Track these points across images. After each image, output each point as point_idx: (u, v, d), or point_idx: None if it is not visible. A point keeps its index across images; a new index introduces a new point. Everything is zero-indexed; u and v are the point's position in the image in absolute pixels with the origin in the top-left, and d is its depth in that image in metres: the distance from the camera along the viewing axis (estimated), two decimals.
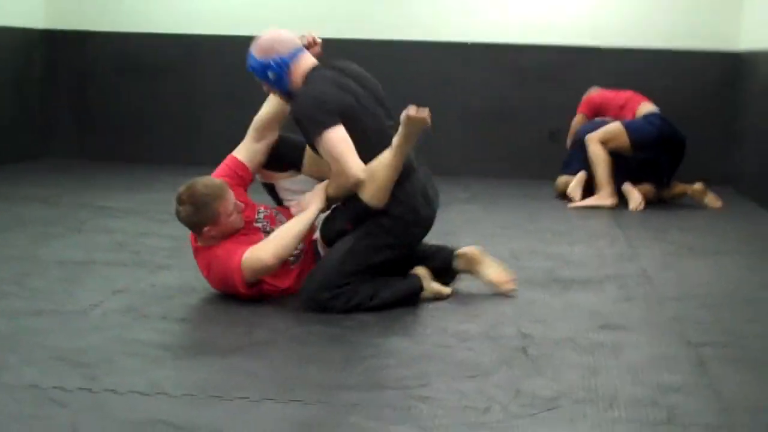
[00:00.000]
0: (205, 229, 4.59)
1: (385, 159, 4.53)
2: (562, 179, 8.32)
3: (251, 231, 4.74)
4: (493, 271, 4.86)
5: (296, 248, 4.61)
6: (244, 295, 4.56)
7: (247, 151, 4.97)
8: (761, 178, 8.07)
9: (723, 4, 9.26)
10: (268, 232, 4.72)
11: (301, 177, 4.93)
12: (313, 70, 4.68)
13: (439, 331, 4.25)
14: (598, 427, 3.20)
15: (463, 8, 9.48)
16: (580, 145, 8.19)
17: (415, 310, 4.57)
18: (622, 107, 8.39)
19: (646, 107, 8.28)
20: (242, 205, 4.71)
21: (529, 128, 9.34)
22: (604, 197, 7.85)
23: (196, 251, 4.72)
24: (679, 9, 9.31)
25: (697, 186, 8.08)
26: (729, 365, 3.90)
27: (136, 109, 9.89)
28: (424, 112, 4.47)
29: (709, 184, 8.39)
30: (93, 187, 8.17)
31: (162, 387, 3.46)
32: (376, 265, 4.60)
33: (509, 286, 4.85)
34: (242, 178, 4.91)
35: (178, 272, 5.15)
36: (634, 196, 7.91)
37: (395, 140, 4.53)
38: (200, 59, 9.78)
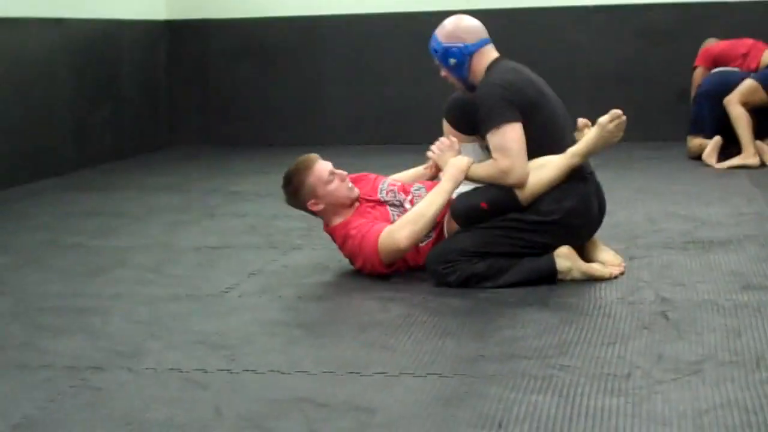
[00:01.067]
0: (309, 203, 4.68)
1: (556, 161, 4.41)
2: (695, 142, 8.12)
3: (375, 204, 4.74)
4: (607, 254, 4.64)
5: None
6: (383, 272, 4.55)
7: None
8: None
9: None
10: (397, 205, 4.71)
11: (471, 146, 4.77)
12: (496, 61, 4.62)
13: (576, 300, 4.19)
14: (746, 389, 3.12)
15: None
16: (705, 100, 8.01)
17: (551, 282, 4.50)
18: (744, 55, 8.17)
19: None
20: (344, 173, 4.73)
21: (658, 89, 9.16)
22: (748, 157, 7.65)
23: (330, 233, 4.76)
24: None
25: None
26: None
27: (260, 94, 9.98)
28: (623, 120, 4.39)
29: None
30: (222, 172, 8.28)
31: (301, 365, 3.49)
32: (502, 255, 4.45)
33: (616, 271, 4.53)
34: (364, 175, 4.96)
35: (310, 252, 5.18)
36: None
37: (579, 145, 4.44)
38: (320, 40, 9.82)
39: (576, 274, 4.44)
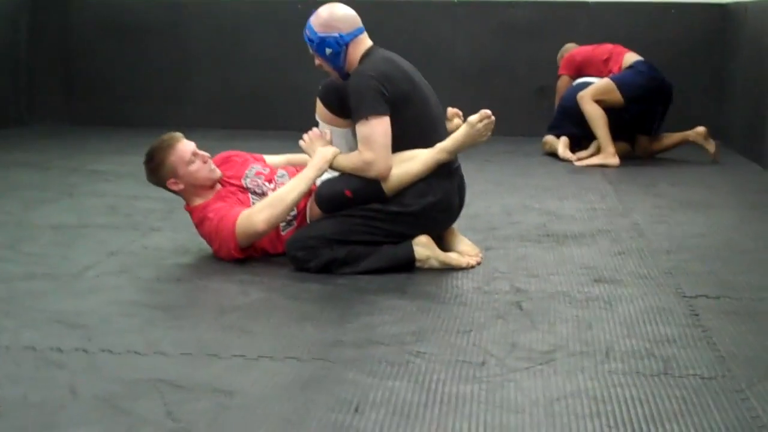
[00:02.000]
0: (169, 182, 4.68)
1: (423, 155, 4.47)
2: (548, 138, 8.31)
3: (237, 190, 4.74)
4: (464, 245, 4.72)
5: (289, 214, 4.60)
6: (238, 257, 4.56)
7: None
8: (749, 131, 8.08)
9: None
10: (259, 193, 4.71)
11: (342, 132, 4.76)
12: (370, 50, 4.63)
13: (433, 288, 4.26)
14: (595, 379, 3.22)
15: None
16: (566, 115, 8.16)
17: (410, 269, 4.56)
18: (606, 61, 8.31)
19: (632, 57, 8.23)
20: (207, 155, 4.73)
21: (518, 84, 9.34)
22: (608, 156, 7.81)
23: (189, 213, 4.75)
24: None
25: (700, 129, 8.04)
26: (723, 316, 3.92)
27: (123, 73, 9.86)
28: (492, 120, 4.46)
29: None
30: (82, 151, 8.16)
31: (159, 346, 3.48)
32: (361, 243, 4.50)
33: (472, 261, 4.61)
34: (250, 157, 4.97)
35: (170, 234, 5.16)
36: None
37: (446, 141, 4.50)
38: (186, 21, 9.76)
39: (434, 263, 4.52)
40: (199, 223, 4.66)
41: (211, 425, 2.84)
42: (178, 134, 4.77)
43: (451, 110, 4.92)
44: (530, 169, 7.62)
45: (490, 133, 4.57)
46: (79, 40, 9.89)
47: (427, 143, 4.52)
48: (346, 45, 4.60)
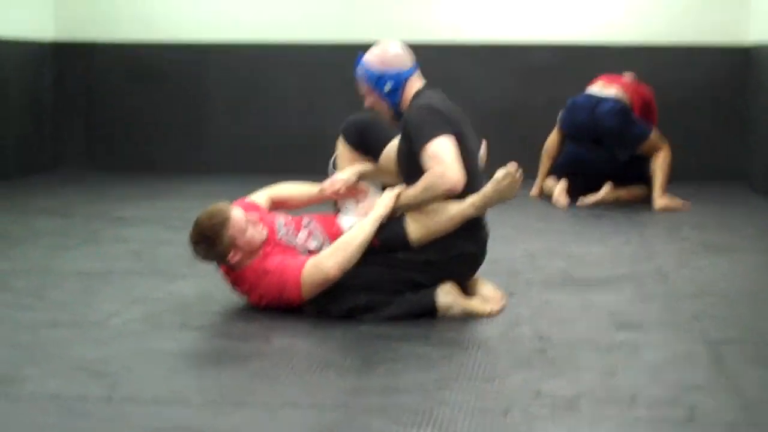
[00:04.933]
0: (230, 256, 4.49)
1: (453, 209, 4.45)
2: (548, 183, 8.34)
3: (279, 246, 4.61)
4: (487, 289, 4.69)
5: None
6: (297, 305, 4.47)
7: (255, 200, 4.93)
8: None
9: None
10: (293, 247, 4.64)
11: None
12: (424, 88, 4.66)
13: (457, 335, 4.25)
14: (620, 427, 3.20)
15: (467, 9, 9.51)
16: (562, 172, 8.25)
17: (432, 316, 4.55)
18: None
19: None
20: (256, 214, 4.64)
21: (539, 127, 9.32)
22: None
23: (234, 279, 4.59)
24: (686, 4, 9.31)
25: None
26: (748, 363, 3.90)
27: (145, 119, 9.92)
28: (519, 176, 4.46)
29: (721, 179, 8.42)
30: (106, 197, 8.20)
31: (182, 395, 3.48)
32: (384, 291, 4.48)
33: (495, 308, 4.57)
34: (254, 207, 4.84)
35: (194, 281, 5.16)
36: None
37: (474, 197, 4.47)
38: (207, 67, 9.82)
39: (456, 310, 4.50)
40: (257, 281, 4.50)
41: None
42: (224, 204, 4.58)
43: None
44: (553, 212, 7.62)
45: (516, 190, 4.51)
46: (102, 86, 9.96)
47: (466, 190, 4.47)
48: (406, 81, 4.62)
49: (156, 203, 7.77)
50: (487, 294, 4.65)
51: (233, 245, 4.46)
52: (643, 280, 5.27)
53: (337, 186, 4.82)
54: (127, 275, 5.34)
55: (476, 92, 9.36)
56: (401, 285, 4.48)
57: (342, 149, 4.88)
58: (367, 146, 4.85)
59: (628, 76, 8.23)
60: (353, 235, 4.45)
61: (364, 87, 4.69)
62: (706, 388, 3.57)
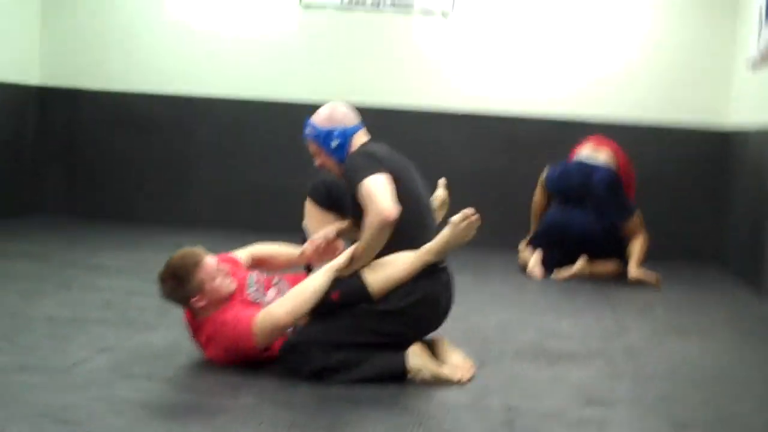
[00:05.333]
0: (194, 300, 4.53)
1: (410, 258, 4.51)
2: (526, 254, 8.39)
3: (245, 302, 4.64)
4: (457, 357, 4.70)
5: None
6: (255, 359, 4.50)
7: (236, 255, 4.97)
8: (747, 255, 8.10)
9: (713, 82, 9.37)
10: (259, 304, 4.64)
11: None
12: (368, 142, 4.80)
13: (426, 401, 4.25)
14: None
15: (451, 78, 9.59)
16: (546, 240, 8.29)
17: (401, 380, 4.54)
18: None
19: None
20: (228, 266, 4.68)
21: (519, 198, 9.36)
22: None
23: (195, 328, 4.63)
24: (669, 86, 9.42)
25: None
26: None
27: (127, 167, 9.91)
28: (475, 219, 4.50)
29: (697, 260, 8.47)
30: (83, 244, 8.18)
31: None
32: (352, 345, 4.49)
33: (464, 377, 4.57)
34: (232, 260, 4.89)
35: (165, 332, 5.15)
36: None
37: (432, 243, 4.54)
38: (191, 119, 9.82)
39: (426, 375, 4.50)
40: (214, 333, 4.52)
41: None
42: (199, 249, 4.66)
43: (441, 182, 5.02)
44: (528, 284, 7.63)
45: (473, 233, 4.60)
46: (84, 132, 9.96)
47: (416, 230, 4.57)
48: (350, 137, 4.75)
49: (133, 253, 7.75)
50: (457, 362, 4.66)
51: (200, 289, 4.52)
52: (613, 357, 5.27)
53: (317, 243, 4.86)
54: (97, 323, 5.31)
55: (457, 160, 9.42)
56: (368, 336, 4.48)
57: (311, 210, 4.98)
58: (336, 205, 4.92)
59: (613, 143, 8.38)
60: (306, 284, 4.49)
61: (312, 146, 4.83)
62: None
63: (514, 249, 8.59)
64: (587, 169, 8.11)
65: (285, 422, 3.87)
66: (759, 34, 8.13)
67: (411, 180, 4.72)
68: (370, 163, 4.55)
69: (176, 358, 4.68)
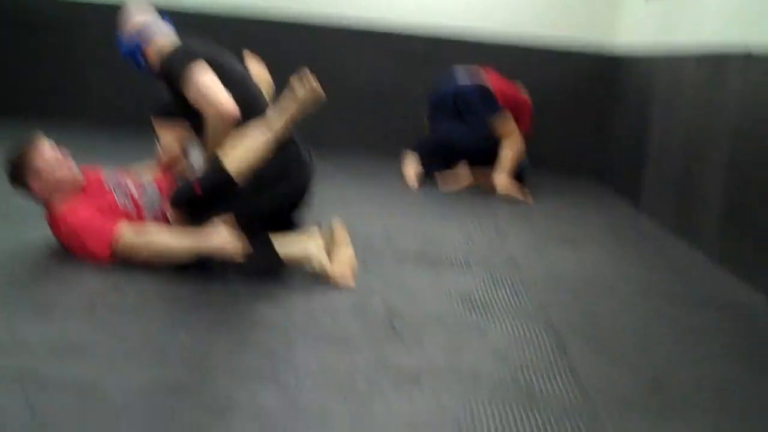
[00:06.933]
0: (32, 183, 4.62)
1: (259, 131, 4.50)
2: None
3: (101, 192, 4.69)
4: (343, 258, 4.69)
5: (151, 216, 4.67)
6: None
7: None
8: (627, 173, 8.28)
9: (599, 5, 9.49)
10: (124, 192, 4.69)
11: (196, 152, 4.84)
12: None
13: (307, 301, 4.27)
14: (460, 401, 3.27)
15: None
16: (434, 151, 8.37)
17: (284, 277, 4.57)
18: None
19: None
20: (67, 151, 4.71)
21: (412, 109, 9.40)
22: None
23: (50, 222, 4.68)
24: (561, 6, 9.49)
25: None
26: (587, 348, 4.01)
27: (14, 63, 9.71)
28: (310, 77, 4.51)
29: (579, 176, 8.64)
30: None
31: (26, 340, 3.43)
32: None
33: (347, 282, 4.58)
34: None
35: (45, 230, 5.06)
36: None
37: (278, 108, 4.54)
38: (87, 24, 9.62)
39: (315, 265, 4.54)
40: (68, 233, 4.57)
41: (73, 422, 2.81)
42: (39, 135, 4.72)
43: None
44: (414, 193, 7.68)
45: (316, 94, 4.56)
46: None
47: (253, 112, 4.58)
48: (140, 48, 4.81)
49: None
50: (344, 260, 4.66)
51: (37, 173, 4.60)
52: (495, 264, 5.36)
53: (163, 162, 5.00)
54: None
55: (354, 75, 9.41)
56: (250, 211, 4.50)
57: (160, 129, 5.02)
58: (170, 109, 4.97)
59: (517, 84, 8.46)
60: (167, 239, 4.45)
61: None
62: (546, 371, 3.67)
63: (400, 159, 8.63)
64: (458, 85, 8.18)
65: (166, 320, 3.86)
66: None
67: (230, 64, 4.72)
68: (187, 55, 4.56)
69: (59, 256, 4.61)
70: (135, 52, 4.75)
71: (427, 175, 8.13)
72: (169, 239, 4.44)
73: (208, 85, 4.46)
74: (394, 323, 4.07)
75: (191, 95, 4.50)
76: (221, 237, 4.38)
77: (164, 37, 4.79)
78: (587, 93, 9.50)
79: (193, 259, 4.39)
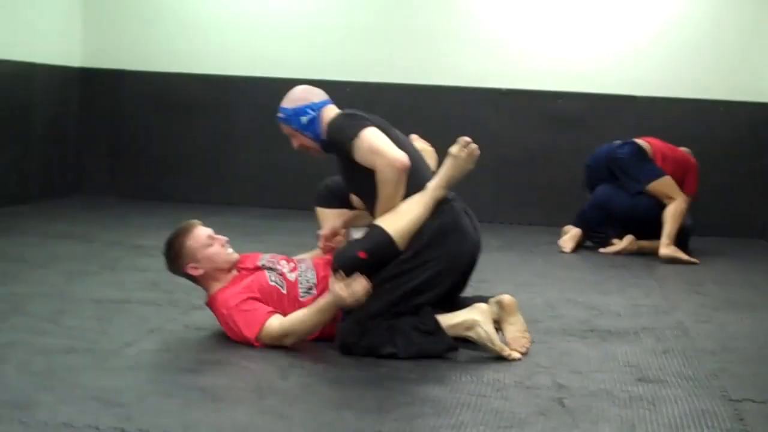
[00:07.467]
0: (189, 266, 4.68)
1: (418, 198, 4.53)
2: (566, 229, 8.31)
3: (253, 270, 4.74)
4: (515, 329, 4.63)
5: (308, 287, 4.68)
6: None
7: None
8: None
9: (757, 56, 9.25)
10: (277, 271, 4.71)
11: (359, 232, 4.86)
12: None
13: (475, 380, 4.21)
14: None
15: (497, 55, 9.50)
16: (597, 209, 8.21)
17: (452, 354, 4.52)
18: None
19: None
20: (224, 238, 4.76)
21: (562, 175, 9.29)
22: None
23: (210, 305, 4.74)
24: (712, 60, 9.30)
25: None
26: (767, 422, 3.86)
27: (169, 148, 9.95)
28: (474, 147, 4.51)
29: (743, 236, 8.40)
30: (126, 225, 8.20)
31: (197, 429, 3.44)
32: (409, 307, 4.49)
33: (516, 355, 4.52)
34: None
35: (211, 313, 5.13)
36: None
37: (435, 180, 4.57)
38: (233, 99, 9.82)
39: (482, 334, 4.46)
40: (223, 318, 4.63)
41: None
42: (195, 220, 4.82)
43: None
44: (574, 261, 7.57)
45: (474, 161, 4.63)
46: (127, 113, 10.01)
47: (419, 177, 4.58)
48: (319, 111, 4.80)
49: None
50: (514, 334, 4.61)
51: (193, 256, 4.66)
52: (663, 333, 5.22)
53: (324, 234, 5.03)
54: (143, 305, 5.31)
55: (499, 138, 9.35)
56: (411, 286, 4.47)
57: (322, 216, 5.07)
58: (344, 202, 5.00)
59: (684, 150, 8.30)
60: (311, 309, 4.50)
61: (286, 129, 4.90)
62: None
63: (557, 227, 8.51)
64: (612, 147, 8.08)
65: (333, 402, 3.85)
66: None
67: (394, 131, 4.73)
68: (354, 119, 4.61)
69: (224, 340, 4.66)
70: (306, 115, 4.78)
71: (590, 242, 8.03)
72: (308, 321, 4.48)
73: (378, 140, 4.51)
74: (563, 400, 3.97)
75: (360, 154, 4.52)
76: (342, 288, 4.39)
77: (332, 109, 4.84)
78: (747, 146, 9.25)
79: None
